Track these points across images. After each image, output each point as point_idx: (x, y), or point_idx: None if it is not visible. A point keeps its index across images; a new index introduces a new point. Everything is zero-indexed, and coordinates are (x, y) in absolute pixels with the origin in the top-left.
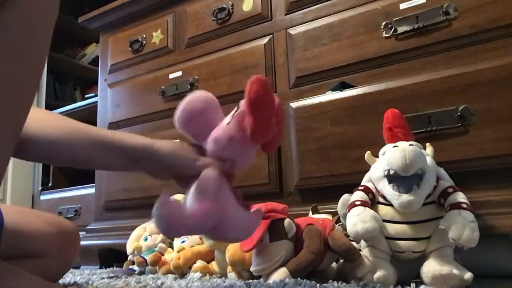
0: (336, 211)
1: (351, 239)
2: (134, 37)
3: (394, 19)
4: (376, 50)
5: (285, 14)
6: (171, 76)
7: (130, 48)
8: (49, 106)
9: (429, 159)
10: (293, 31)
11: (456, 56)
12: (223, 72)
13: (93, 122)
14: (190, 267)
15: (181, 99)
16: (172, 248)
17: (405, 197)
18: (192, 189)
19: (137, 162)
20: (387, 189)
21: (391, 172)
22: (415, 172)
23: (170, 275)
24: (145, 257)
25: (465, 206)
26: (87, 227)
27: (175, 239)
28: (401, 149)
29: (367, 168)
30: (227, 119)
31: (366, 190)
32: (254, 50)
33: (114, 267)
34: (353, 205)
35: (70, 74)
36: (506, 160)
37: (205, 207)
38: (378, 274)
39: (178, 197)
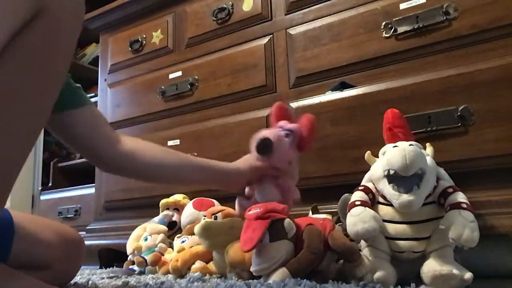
0: (336, 211)
1: (351, 239)
2: (134, 37)
3: (394, 19)
4: (376, 50)
5: (285, 14)
6: (171, 76)
7: (130, 48)
8: None
9: (429, 159)
10: (293, 31)
11: (456, 56)
12: (223, 72)
13: None
14: (189, 268)
15: (181, 99)
16: (172, 248)
17: (405, 197)
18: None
19: (226, 181)
20: (387, 189)
21: (391, 172)
22: (415, 172)
23: (170, 275)
24: (145, 257)
25: (465, 206)
26: (87, 227)
27: (175, 239)
28: (401, 149)
29: (367, 168)
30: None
31: (366, 190)
32: (254, 50)
33: (114, 267)
34: (353, 205)
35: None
36: (506, 160)
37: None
38: (378, 274)
39: (179, 197)
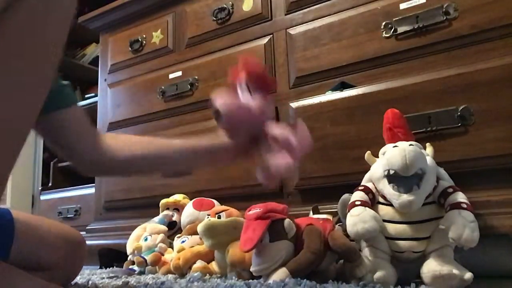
0: (336, 211)
1: (351, 239)
2: (134, 37)
3: (394, 19)
4: (376, 50)
5: (285, 14)
6: (171, 76)
7: (130, 48)
8: None
9: (429, 159)
10: (293, 31)
11: (456, 56)
12: (223, 72)
13: (93, 122)
14: (190, 268)
15: (181, 99)
16: (172, 248)
17: (405, 197)
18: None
19: (214, 160)
20: (387, 189)
21: (391, 172)
22: (415, 172)
23: (170, 275)
24: (145, 257)
25: (465, 206)
26: (87, 227)
27: (175, 239)
28: (401, 149)
29: (367, 168)
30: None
31: (366, 190)
32: (254, 50)
33: (114, 267)
34: (353, 205)
35: (70, 74)
36: (506, 160)
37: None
38: (378, 274)
39: (179, 197)
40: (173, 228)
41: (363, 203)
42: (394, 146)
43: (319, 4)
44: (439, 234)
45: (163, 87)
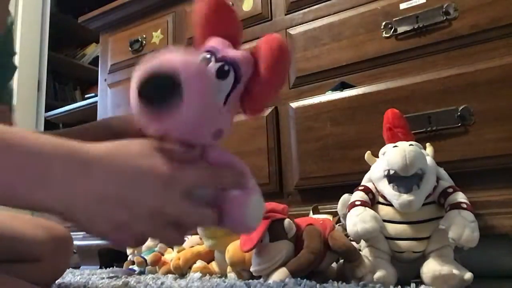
0: (336, 211)
1: (351, 239)
2: (134, 37)
3: (394, 19)
4: (376, 50)
5: (285, 14)
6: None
7: (130, 48)
8: (49, 106)
9: (429, 159)
10: (293, 31)
11: (456, 56)
12: None
13: None
14: (190, 267)
15: None
16: (172, 248)
17: (405, 197)
18: None
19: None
20: (387, 189)
21: (391, 172)
22: (415, 172)
23: (170, 275)
24: (145, 257)
25: (465, 206)
26: None
27: None
28: (401, 149)
29: (367, 168)
30: None
31: (366, 190)
32: None
33: (114, 267)
34: (353, 205)
35: (70, 74)
36: (506, 160)
37: None
38: (378, 274)
39: None
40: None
41: (363, 203)
42: (394, 146)
43: (319, 4)
44: (439, 234)
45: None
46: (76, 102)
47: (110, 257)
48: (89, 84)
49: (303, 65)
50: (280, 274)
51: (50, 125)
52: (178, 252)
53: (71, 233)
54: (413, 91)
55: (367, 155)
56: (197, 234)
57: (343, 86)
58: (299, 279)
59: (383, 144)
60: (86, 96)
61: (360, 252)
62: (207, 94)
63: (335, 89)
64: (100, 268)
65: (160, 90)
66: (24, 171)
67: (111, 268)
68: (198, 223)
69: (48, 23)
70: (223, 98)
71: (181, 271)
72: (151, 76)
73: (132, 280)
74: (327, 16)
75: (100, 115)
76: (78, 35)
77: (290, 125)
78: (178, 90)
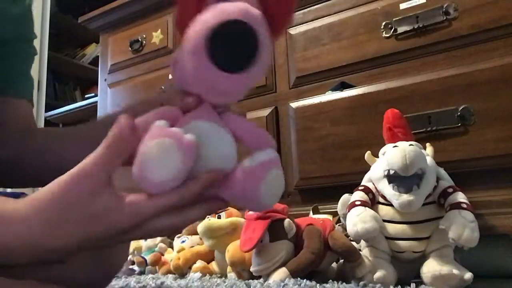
0: (336, 211)
1: (351, 239)
2: (134, 37)
3: (394, 19)
4: (376, 50)
5: None
6: (171, 76)
7: (130, 48)
8: (49, 106)
9: (429, 159)
10: (293, 31)
11: (456, 56)
12: None
13: None
14: (190, 267)
15: None
16: (172, 248)
17: (405, 197)
18: None
19: None
20: (387, 189)
21: (391, 172)
22: (415, 172)
23: (170, 275)
24: (145, 257)
25: (465, 206)
26: None
27: (175, 239)
28: (401, 149)
29: (367, 168)
30: None
31: (366, 190)
32: None
33: None
34: (353, 205)
35: (70, 74)
36: (506, 160)
37: None
38: (378, 274)
39: None
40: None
41: (363, 203)
42: (394, 146)
43: (319, 4)
44: (439, 234)
45: (163, 87)
46: (76, 102)
47: None
48: (89, 84)
49: (303, 65)
50: (280, 274)
51: (50, 125)
52: (178, 252)
53: None
54: (413, 91)
55: (367, 155)
56: (197, 234)
57: (343, 86)
58: (299, 279)
59: (383, 144)
60: (86, 96)
61: (360, 252)
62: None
63: (335, 89)
64: None
65: (241, 44)
66: None
67: None
68: (192, 222)
69: (48, 23)
70: None
71: (181, 271)
72: (232, 23)
73: (132, 280)
74: (327, 16)
75: (100, 115)
76: (78, 35)
77: (290, 125)
78: (255, 46)
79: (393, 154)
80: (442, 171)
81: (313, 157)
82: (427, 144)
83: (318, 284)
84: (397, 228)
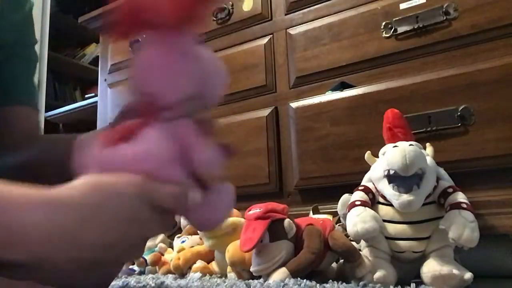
0: (336, 211)
1: (351, 239)
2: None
3: (394, 19)
4: (376, 50)
5: (285, 14)
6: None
7: (130, 48)
8: (49, 106)
9: (429, 159)
10: (293, 31)
11: (456, 56)
12: None
13: (93, 122)
14: (190, 267)
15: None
16: (172, 248)
17: (405, 197)
18: None
19: None
20: (387, 189)
21: (391, 172)
22: (415, 172)
23: (170, 275)
24: (145, 257)
25: (465, 206)
26: None
27: (175, 239)
28: (401, 149)
29: (367, 168)
30: None
31: (366, 190)
32: (254, 50)
33: None
34: (353, 205)
35: (70, 74)
36: (506, 160)
37: None
38: (378, 274)
39: None
40: (173, 228)
41: (363, 203)
42: (394, 146)
43: (319, 4)
44: (439, 234)
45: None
46: (76, 102)
47: None
48: (89, 84)
49: (303, 65)
50: (280, 274)
51: (50, 125)
52: (178, 252)
53: None
54: (413, 91)
55: (367, 155)
56: (197, 234)
57: (343, 86)
58: (299, 279)
59: (383, 144)
60: (86, 96)
61: (360, 252)
62: None
63: (335, 89)
64: None
65: None
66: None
67: None
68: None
69: (48, 23)
70: None
71: (181, 271)
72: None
73: (132, 280)
74: (327, 16)
75: (100, 115)
76: (78, 35)
77: (290, 125)
78: None
79: (393, 154)
80: (442, 171)
81: (313, 157)
82: (427, 144)
83: (318, 284)
84: (397, 228)
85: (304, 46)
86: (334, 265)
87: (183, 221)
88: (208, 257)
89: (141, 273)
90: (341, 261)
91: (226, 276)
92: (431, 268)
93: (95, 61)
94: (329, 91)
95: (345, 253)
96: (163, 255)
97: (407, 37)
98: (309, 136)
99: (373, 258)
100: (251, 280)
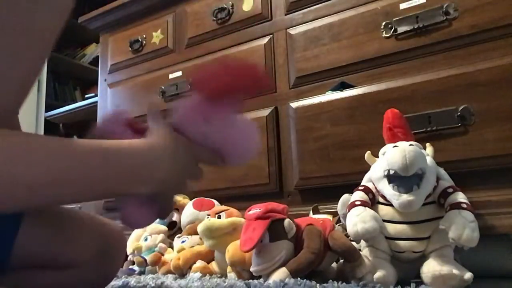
0: (336, 211)
1: (351, 239)
2: (134, 37)
3: (394, 19)
4: (376, 50)
5: (285, 14)
6: (171, 76)
7: (130, 48)
8: (49, 106)
9: (429, 159)
10: (293, 31)
11: (456, 56)
12: None
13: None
14: (190, 267)
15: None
16: (172, 248)
17: (405, 197)
18: None
19: None
20: (387, 189)
21: (391, 172)
22: (415, 172)
23: (170, 275)
24: (145, 257)
25: (465, 206)
26: None
27: (175, 239)
28: (401, 149)
29: (367, 168)
30: None
31: (366, 190)
32: (254, 50)
33: None
34: (353, 205)
35: (70, 74)
36: (506, 160)
37: None
38: (378, 274)
39: (179, 197)
40: (173, 228)
41: (363, 203)
42: (394, 146)
43: (319, 4)
44: (439, 234)
45: (163, 87)
46: (76, 102)
47: None
48: (89, 84)
49: (303, 65)
50: (280, 274)
51: (50, 125)
52: (178, 252)
53: None
54: (413, 91)
55: (367, 155)
56: (197, 234)
57: (343, 86)
58: (299, 279)
59: (383, 144)
60: (86, 96)
61: (360, 252)
62: None
63: (335, 89)
64: None
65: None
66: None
67: None
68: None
69: None
70: None
71: (181, 271)
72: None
73: (132, 280)
74: (327, 16)
75: (100, 115)
76: (78, 35)
77: (290, 125)
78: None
79: (393, 154)
80: (442, 171)
81: (313, 157)
82: (427, 144)
83: (318, 284)
84: (397, 228)
85: (304, 46)
86: (334, 265)
87: (183, 221)
88: (208, 257)
89: (141, 273)
90: (341, 261)
91: (226, 276)
92: (431, 268)
93: (95, 61)
94: (329, 91)
95: (345, 253)
96: (163, 255)
97: (407, 37)
98: (309, 136)
99: (373, 258)
100: (251, 280)
